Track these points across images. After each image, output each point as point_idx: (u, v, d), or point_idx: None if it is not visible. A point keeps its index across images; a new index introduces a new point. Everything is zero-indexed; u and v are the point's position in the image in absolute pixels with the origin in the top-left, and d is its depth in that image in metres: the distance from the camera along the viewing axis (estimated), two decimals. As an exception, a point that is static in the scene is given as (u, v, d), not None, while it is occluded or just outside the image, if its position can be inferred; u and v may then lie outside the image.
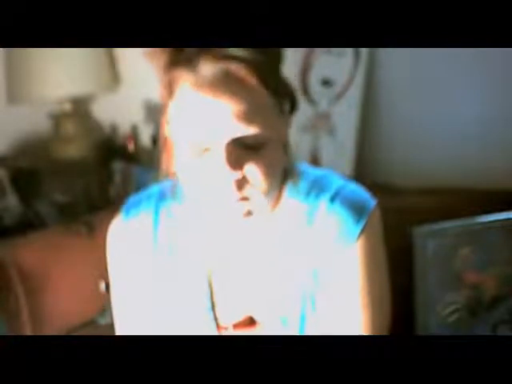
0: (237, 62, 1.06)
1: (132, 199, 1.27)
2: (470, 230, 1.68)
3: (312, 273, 1.17)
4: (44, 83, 2.25)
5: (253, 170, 1.08)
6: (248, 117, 1.06)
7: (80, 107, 2.49)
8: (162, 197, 1.24)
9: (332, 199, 1.16)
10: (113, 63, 2.41)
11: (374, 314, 1.17)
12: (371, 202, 1.18)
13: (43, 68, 2.24)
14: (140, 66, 2.66)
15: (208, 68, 1.07)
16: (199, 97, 1.07)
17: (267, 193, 1.11)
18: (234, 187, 1.08)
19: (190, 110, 1.08)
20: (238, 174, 1.07)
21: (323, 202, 1.17)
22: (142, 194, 1.27)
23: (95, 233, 1.81)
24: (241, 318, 1.21)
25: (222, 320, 1.21)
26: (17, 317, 1.71)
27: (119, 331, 1.27)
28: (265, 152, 1.09)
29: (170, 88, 1.10)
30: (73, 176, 2.26)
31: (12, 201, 2.14)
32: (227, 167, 1.06)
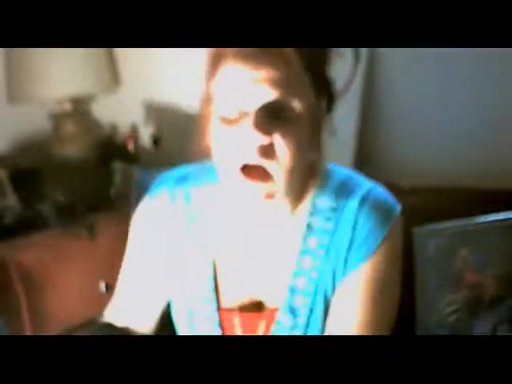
0: None
1: (158, 179, 1.30)
2: (470, 230, 1.68)
3: (327, 272, 1.18)
4: (44, 83, 2.25)
5: (280, 140, 1.09)
6: (281, 84, 1.09)
7: (80, 107, 2.49)
8: (182, 179, 1.26)
9: (361, 202, 1.17)
10: (113, 63, 2.41)
11: (385, 317, 1.18)
12: (397, 206, 1.20)
13: (43, 68, 2.23)
14: (140, 66, 2.67)
15: None
16: (239, 69, 1.09)
17: (290, 173, 1.11)
18: (257, 152, 1.09)
19: (230, 82, 1.10)
20: (264, 139, 1.08)
21: (352, 204, 1.17)
22: (166, 176, 1.29)
23: (95, 233, 1.81)
24: (245, 301, 1.22)
25: (225, 302, 1.23)
26: (17, 317, 1.71)
27: (120, 299, 1.31)
28: (294, 128, 1.11)
29: (214, 66, 1.13)
30: (73, 176, 2.25)
31: (12, 201, 2.14)
32: (254, 130, 1.08)
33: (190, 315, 1.26)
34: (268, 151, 1.09)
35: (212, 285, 1.23)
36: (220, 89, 1.12)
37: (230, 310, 1.23)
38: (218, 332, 1.24)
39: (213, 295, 1.23)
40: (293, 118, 1.10)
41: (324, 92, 1.16)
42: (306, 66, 1.11)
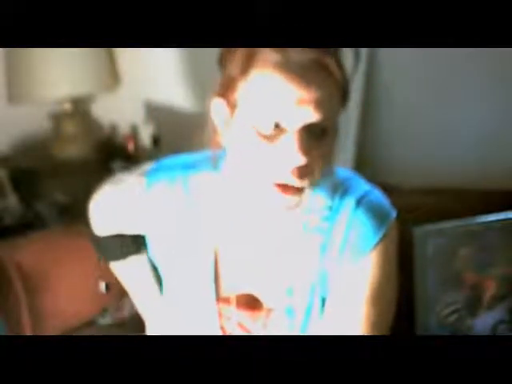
0: (325, 51, 1.07)
1: (156, 166, 1.27)
2: (470, 230, 1.68)
3: (323, 272, 1.19)
4: (44, 83, 2.25)
5: (317, 159, 1.08)
6: (324, 106, 1.06)
7: (80, 107, 2.49)
8: (182, 166, 1.24)
9: (357, 203, 1.17)
10: (113, 63, 2.41)
11: (380, 322, 1.18)
12: (392, 212, 1.19)
13: (43, 68, 2.24)
14: (140, 66, 2.66)
15: (299, 54, 1.06)
16: (282, 83, 1.05)
17: (314, 184, 1.11)
18: (295, 173, 1.07)
19: (269, 94, 1.06)
20: (304, 160, 1.06)
21: (348, 205, 1.17)
22: (165, 163, 1.27)
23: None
24: (243, 297, 1.22)
25: (224, 294, 1.23)
26: (17, 317, 1.71)
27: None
28: (327, 143, 1.10)
29: (246, 66, 1.08)
30: (73, 176, 2.26)
31: (12, 201, 2.14)
32: (298, 152, 1.06)
33: (187, 305, 1.26)
34: (304, 171, 1.08)
35: (212, 275, 1.23)
36: (252, 97, 1.08)
37: (228, 303, 1.23)
38: (215, 322, 1.24)
39: (212, 285, 1.23)
40: (327, 136, 1.09)
41: (345, 99, 1.14)
42: (342, 80, 1.09)
